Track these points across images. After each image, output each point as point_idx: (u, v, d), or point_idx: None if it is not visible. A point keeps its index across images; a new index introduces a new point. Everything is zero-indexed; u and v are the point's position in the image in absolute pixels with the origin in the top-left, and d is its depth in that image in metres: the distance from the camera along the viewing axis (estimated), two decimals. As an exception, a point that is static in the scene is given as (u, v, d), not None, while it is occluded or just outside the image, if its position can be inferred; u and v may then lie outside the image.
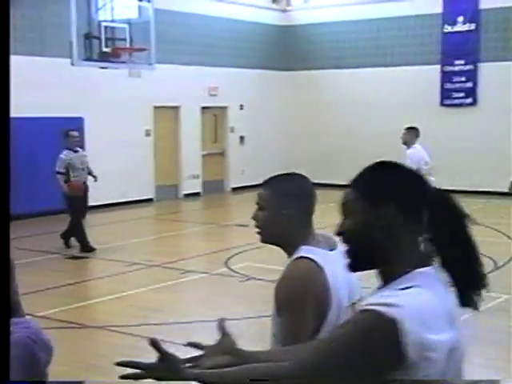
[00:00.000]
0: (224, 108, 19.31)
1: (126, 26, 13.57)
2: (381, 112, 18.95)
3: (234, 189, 19.58)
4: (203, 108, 18.72)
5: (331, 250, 2.59)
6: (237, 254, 10.91)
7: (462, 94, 18.33)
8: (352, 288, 2.58)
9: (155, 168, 17.59)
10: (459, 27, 18.17)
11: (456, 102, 18.41)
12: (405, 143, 10.20)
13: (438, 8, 18.33)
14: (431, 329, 1.75)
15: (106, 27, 13.15)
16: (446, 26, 18.33)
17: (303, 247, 2.55)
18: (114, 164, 16.12)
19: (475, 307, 1.97)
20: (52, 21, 14.52)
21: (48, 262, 10.80)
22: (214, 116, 19.32)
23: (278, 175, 2.70)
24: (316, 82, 20.41)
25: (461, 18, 18.12)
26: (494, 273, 9.56)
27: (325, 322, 2.46)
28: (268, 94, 20.42)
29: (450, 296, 1.92)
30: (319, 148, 20.37)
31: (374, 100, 19.26)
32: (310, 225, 2.67)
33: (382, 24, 19.29)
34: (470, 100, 18.23)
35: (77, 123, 14.16)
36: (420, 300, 1.78)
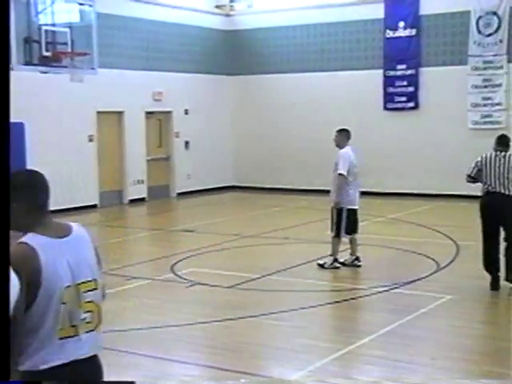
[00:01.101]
0: (169, 113, 19.21)
1: (67, 29, 13.35)
2: (325, 116, 19.11)
3: (180, 194, 19.48)
4: (147, 113, 18.59)
5: (61, 237, 3.06)
6: (182, 259, 10.84)
7: (404, 98, 18.62)
8: (80, 271, 3.06)
9: (99, 174, 17.38)
10: (401, 32, 18.47)
11: (398, 105, 18.70)
12: (337, 145, 10.27)
13: (380, 13, 18.60)
14: None
15: (46, 31, 12.92)
16: (388, 32, 18.61)
17: (29, 234, 2.99)
18: (57, 170, 15.85)
19: None
20: (-9, 24, 14.20)
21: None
22: (158, 121, 19.20)
23: (14, 172, 2.99)
24: (261, 86, 20.48)
25: (402, 24, 18.42)
26: (437, 274, 9.72)
27: (36, 299, 2.92)
28: (213, 99, 20.40)
29: None
30: (265, 153, 20.43)
31: (319, 104, 19.42)
32: (38, 215, 3.06)
33: (325, 29, 19.47)
34: (411, 104, 18.54)
35: (17, 129, 13.88)
36: None
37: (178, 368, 6.51)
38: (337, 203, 10.05)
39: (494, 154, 8.78)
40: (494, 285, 8.62)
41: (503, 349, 6.78)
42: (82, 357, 3.06)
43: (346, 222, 10.07)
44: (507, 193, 8.55)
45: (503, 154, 8.75)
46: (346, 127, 10.54)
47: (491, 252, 8.64)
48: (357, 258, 10.26)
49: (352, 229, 10.19)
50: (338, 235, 10.15)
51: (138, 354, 6.68)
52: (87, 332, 3.11)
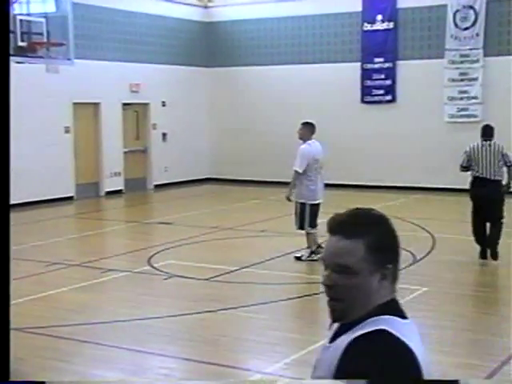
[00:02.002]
0: (146, 105, 19.11)
1: (42, 20, 13.22)
2: (302, 109, 19.11)
3: (157, 186, 19.41)
4: (124, 104, 18.48)
5: None
6: (159, 252, 10.82)
7: (381, 92, 18.69)
8: None
9: (75, 166, 17.26)
10: (378, 26, 18.52)
11: (376, 98, 18.77)
12: (301, 138, 10.27)
13: (357, 6, 18.63)
14: None
15: (21, 21, 12.78)
16: (366, 25, 18.65)
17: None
18: (33, 162, 15.75)
19: None
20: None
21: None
22: (135, 113, 19.10)
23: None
24: (238, 78, 20.44)
25: (380, 17, 18.47)
26: (413, 266, 9.78)
27: None
28: (191, 91, 20.33)
29: None
30: (242, 145, 20.42)
31: (296, 97, 19.43)
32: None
33: (303, 21, 19.47)
34: (389, 97, 18.61)
35: (-7, 120, 13.74)
36: None
37: (155, 361, 6.50)
38: (290, 196, 10.15)
39: (480, 143, 9.87)
40: (483, 254, 9.90)
41: (477, 341, 6.85)
42: None
43: (309, 216, 10.09)
44: (493, 178, 9.70)
45: (488, 142, 9.83)
46: (310, 120, 10.49)
47: (480, 228, 9.91)
48: (313, 252, 10.18)
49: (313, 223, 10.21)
50: (301, 228, 10.18)
51: (115, 346, 6.65)
52: None
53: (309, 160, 10.04)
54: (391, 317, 1.94)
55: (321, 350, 2.08)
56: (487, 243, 9.84)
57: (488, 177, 9.70)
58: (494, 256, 9.73)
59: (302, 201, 10.09)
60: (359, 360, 1.86)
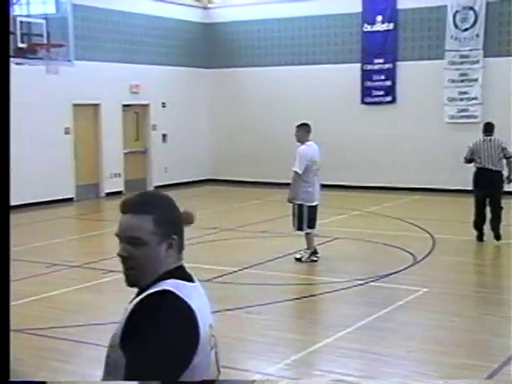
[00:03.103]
0: (146, 106, 19.11)
1: (42, 21, 13.23)
2: (302, 110, 19.11)
3: (157, 187, 19.40)
4: (124, 106, 18.48)
5: None
6: (160, 252, 10.79)
7: (381, 92, 18.68)
8: None
9: (75, 167, 17.26)
10: (378, 26, 18.52)
11: (376, 99, 18.76)
12: (298, 140, 10.25)
13: (357, 7, 18.63)
14: None
15: (21, 22, 12.79)
16: (366, 25, 18.65)
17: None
18: (33, 163, 15.75)
19: None
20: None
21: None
22: (135, 114, 19.10)
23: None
24: (238, 79, 20.44)
25: (380, 18, 18.47)
26: (413, 267, 9.78)
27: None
28: (191, 92, 20.33)
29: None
30: (242, 146, 20.41)
31: (296, 98, 19.42)
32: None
33: (303, 22, 19.47)
34: (389, 98, 18.61)
35: (-7, 121, 13.74)
36: None
37: None
38: (291, 199, 10.12)
39: (482, 138, 11.34)
40: (480, 237, 11.34)
41: (478, 341, 6.85)
42: None
43: (307, 218, 10.10)
44: (494, 168, 11.17)
45: (489, 138, 11.29)
46: (305, 122, 10.46)
47: (480, 213, 11.32)
48: (313, 253, 10.19)
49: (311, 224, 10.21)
50: (300, 229, 10.18)
51: (115, 347, 6.64)
52: None
53: (307, 161, 10.03)
54: (177, 280, 2.23)
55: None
56: (491, 226, 11.20)
57: (489, 167, 11.15)
58: (498, 237, 11.13)
59: (300, 202, 10.09)
60: (141, 316, 2.14)
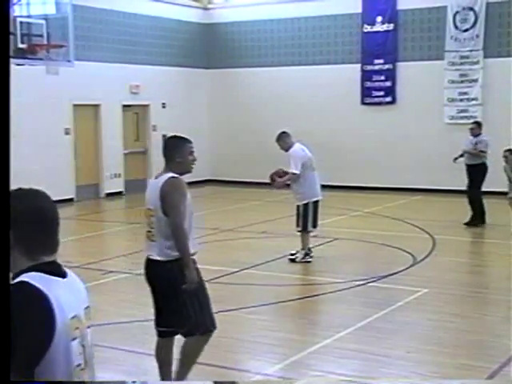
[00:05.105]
0: (146, 106, 19.11)
1: (42, 21, 13.24)
2: (302, 110, 19.13)
3: (157, 188, 19.39)
4: (124, 106, 18.48)
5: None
6: (160, 253, 10.79)
7: (381, 93, 18.69)
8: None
9: (75, 167, 17.27)
10: (378, 27, 18.53)
11: (376, 100, 18.77)
12: (285, 150, 10.23)
13: (357, 8, 18.63)
14: None
15: (21, 23, 12.80)
16: (366, 26, 18.65)
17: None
18: (33, 163, 15.74)
19: None
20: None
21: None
22: (135, 114, 19.10)
23: None
24: (238, 80, 20.45)
25: (379, 18, 18.47)
26: (413, 268, 9.78)
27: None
28: (191, 92, 20.34)
29: None
30: (242, 146, 20.42)
31: (296, 98, 19.43)
32: None
33: (303, 23, 19.48)
34: (389, 98, 18.61)
35: (-7, 121, 13.75)
36: None
37: (156, 362, 6.48)
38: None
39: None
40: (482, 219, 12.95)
41: (477, 342, 6.85)
42: None
43: (312, 216, 10.12)
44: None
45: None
46: (280, 131, 10.45)
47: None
48: (307, 254, 10.18)
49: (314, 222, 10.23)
50: (305, 229, 10.18)
51: (116, 348, 6.65)
52: None
53: (303, 160, 10.06)
54: (38, 273, 2.38)
55: None
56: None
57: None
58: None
59: (305, 201, 10.11)
60: None
